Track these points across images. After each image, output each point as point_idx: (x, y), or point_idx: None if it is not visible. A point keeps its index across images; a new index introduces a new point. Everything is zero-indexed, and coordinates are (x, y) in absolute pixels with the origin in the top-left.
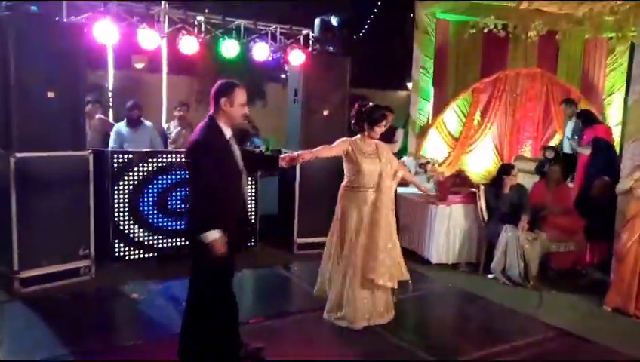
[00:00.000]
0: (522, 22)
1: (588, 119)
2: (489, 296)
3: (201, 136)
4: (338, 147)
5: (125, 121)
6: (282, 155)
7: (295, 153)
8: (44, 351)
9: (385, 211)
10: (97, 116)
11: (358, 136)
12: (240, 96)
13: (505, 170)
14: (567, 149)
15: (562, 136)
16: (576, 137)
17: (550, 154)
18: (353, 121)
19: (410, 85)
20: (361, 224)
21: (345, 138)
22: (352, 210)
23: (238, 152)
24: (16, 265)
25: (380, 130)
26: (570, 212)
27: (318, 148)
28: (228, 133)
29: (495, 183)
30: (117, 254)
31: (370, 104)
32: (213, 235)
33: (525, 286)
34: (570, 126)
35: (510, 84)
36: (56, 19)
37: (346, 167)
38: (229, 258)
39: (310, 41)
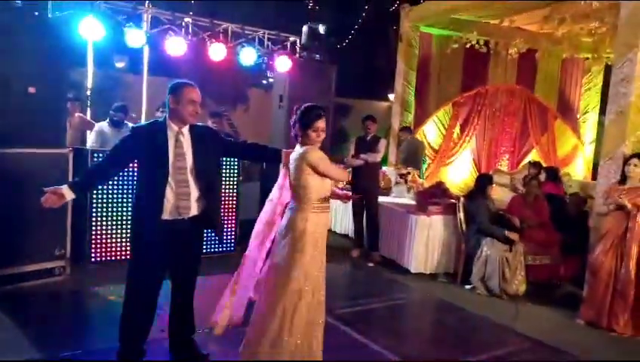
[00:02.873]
0: (504, 39)
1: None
2: (466, 306)
3: (139, 125)
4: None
5: (108, 121)
6: (285, 150)
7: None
8: (12, 352)
9: None
10: (77, 114)
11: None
12: (188, 93)
13: (489, 179)
14: None
15: (544, 152)
16: None
17: (534, 171)
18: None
19: (392, 96)
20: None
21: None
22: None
23: (179, 152)
24: None
25: (316, 135)
26: (546, 226)
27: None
28: (173, 129)
29: (477, 193)
30: (93, 255)
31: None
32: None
33: (502, 298)
34: None
35: (490, 98)
36: (39, 14)
37: (312, 182)
38: (149, 259)
39: (297, 48)
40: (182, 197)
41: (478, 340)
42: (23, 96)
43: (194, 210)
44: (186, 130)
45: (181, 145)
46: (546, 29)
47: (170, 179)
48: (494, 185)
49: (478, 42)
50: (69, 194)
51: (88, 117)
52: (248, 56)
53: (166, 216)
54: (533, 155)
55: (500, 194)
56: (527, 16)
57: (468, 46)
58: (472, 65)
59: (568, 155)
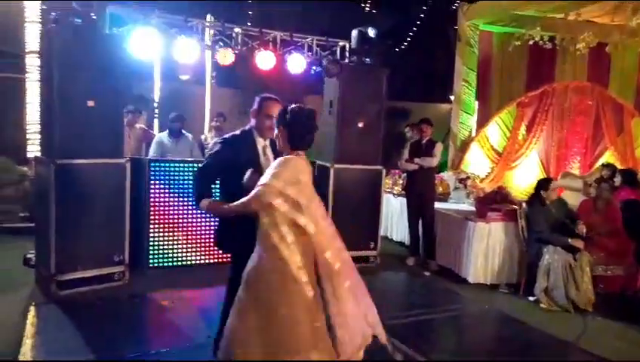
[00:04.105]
0: (570, 34)
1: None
2: (528, 320)
3: (229, 135)
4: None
5: (167, 131)
6: None
7: None
8: (71, 354)
9: None
10: (138, 126)
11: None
12: (265, 107)
13: (545, 183)
14: None
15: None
16: None
17: (607, 173)
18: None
19: (452, 98)
20: None
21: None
22: None
23: (266, 163)
24: (53, 268)
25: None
26: (618, 233)
27: None
28: (260, 142)
29: (535, 199)
30: (151, 261)
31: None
32: None
33: (569, 311)
34: None
35: (558, 97)
36: (97, 30)
37: None
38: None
39: (347, 53)
40: None
41: (538, 357)
42: (84, 110)
43: None
44: (268, 143)
45: (268, 157)
46: (617, 21)
47: None
48: (559, 188)
49: (542, 38)
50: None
51: (155, 129)
52: (297, 63)
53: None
54: (608, 157)
55: (572, 199)
56: (596, 8)
57: (531, 43)
58: (537, 62)
59: None
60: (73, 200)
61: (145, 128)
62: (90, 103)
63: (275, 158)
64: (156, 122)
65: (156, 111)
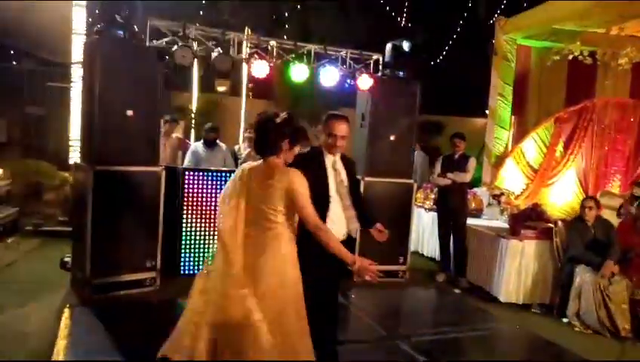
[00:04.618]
0: (612, 48)
1: None
2: (561, 342)
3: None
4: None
5: (202, 141)
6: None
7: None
8: (98, 354)
9: None
10: (174, 135)
11: (260, 161)
12: (330, 126)
13: (586, 201)
14: None
15: None
16: None
17: (639, 191)
18: (269, 138)
19: (487, 112)
20: None
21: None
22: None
23: (336, 180)
24: (88, 272)
25: (297, 150)
26: None
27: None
28: (329, 158)
29: (576, 217)
30: (183, 268)
31: (282, 114)
32: None
33: (605, 335)
34: None
35: (598, 114)
36: (137, 42)
37: (288, 206)
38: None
39: (380, 66)
40: (340, 219)
41: None
42: (122, 119)
43: (346, 229)
44: (338, 158)
45: (339, 172)
46: None
47: (331, 202)
48: (589, 204)
49: (582, 53)
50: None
51: (192, 138)
52: (330, 76)
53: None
54: None
55: (611, 218)
56: None
57: (571, 57)
58: (577, 77)
59: None
60: (109, 206)
61: (181, 137)
62: (129, 113)
63: (346, 173)
64: (192, 132)
65: (193, 121)
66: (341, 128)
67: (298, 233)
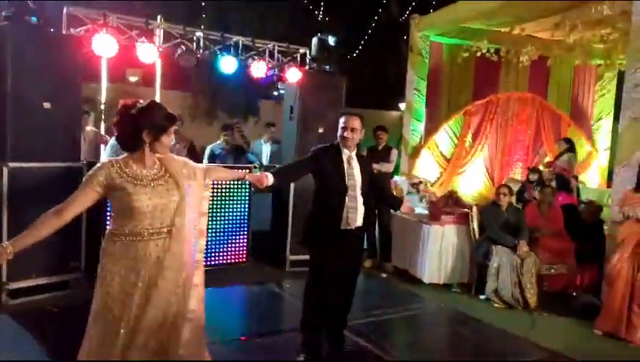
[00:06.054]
0: (514, 47)
1: None
2: (481, 317)
3: (319, 146)
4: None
5: None
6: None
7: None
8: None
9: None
10: (89, 128)
11: (125, 155)
12: (340, 120)
13: (500, 188)
14: None
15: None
16: None
17: (534, 177)
18: (123, 132)
19: (403, 106)
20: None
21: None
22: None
23: (350, 172)
24: (4, 276)
25: (168, 140)
26: (561, 234)
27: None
28: (345, 153)
29: (491, 202)
30: None
31: (141, 101)
32: None
33: (517, 308)
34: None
35: (501, 107)
36: (55, 31)
37: (112, 204)
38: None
39: (307, 60)
40: (352, 211)
41: (493, 352)
42: (39, 112)
43: (359, 222)
44: (354, 154)
45: (352, 167)
46: (557, 37)
47: (346, 195)
48: (503, 191)
49: (488, 50)
50: (271, 179)
51: (102, 131)
52: (259, 69)
53: (344, 226)
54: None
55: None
56: (538, 24)
57: (479, 54)
58: (483, 73)
59: (583, 163)
60: (26, 205)
61: (97, 131)
62: (47, 105)
63: (361, 169)
64: (102, 125)
65: (103, 113)
66: (348, 121)
67: (315, 226)
